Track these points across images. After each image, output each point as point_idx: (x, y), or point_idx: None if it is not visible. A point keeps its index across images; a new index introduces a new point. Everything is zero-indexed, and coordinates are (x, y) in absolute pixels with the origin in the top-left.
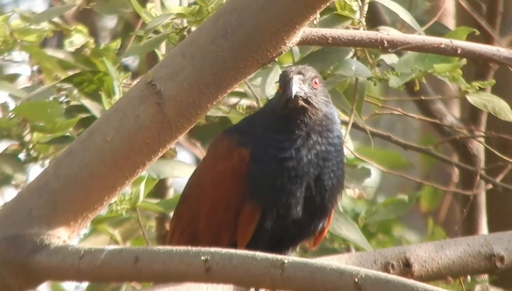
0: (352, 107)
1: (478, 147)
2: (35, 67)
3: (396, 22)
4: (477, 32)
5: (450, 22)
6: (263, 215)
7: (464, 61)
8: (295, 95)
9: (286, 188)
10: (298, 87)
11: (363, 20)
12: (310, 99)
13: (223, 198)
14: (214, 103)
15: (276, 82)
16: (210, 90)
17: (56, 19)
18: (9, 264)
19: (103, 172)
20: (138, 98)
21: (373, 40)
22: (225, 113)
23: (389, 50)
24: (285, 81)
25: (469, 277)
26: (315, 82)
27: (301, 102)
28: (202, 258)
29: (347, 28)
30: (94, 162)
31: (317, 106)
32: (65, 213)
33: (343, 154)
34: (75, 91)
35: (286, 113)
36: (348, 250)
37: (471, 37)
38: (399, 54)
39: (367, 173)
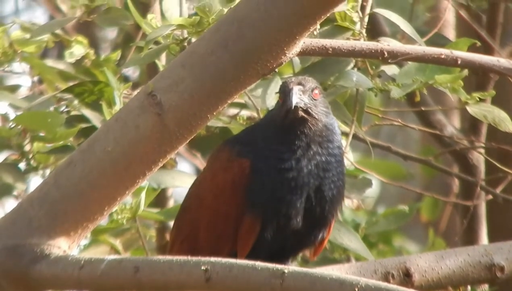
0: (352, 118)
1: (478, 158)
2: (36, 78)
3: (397, 33)
4: (478, 43)
5: (450, 33)
6: (263, 226)
7: (465, 72)
8: (295, 106)
9: (286, 198)
10: (298, 98)
11: (364, 31)
12: (310, 110)
13: (223, 210)
14: (215, 113)
15: (276, 93)
16: (210, 101)
17: (57, 30)
18: (9, 274)
19: (104, 182)
20: (138, 109)
21: (373, 51)
22: (225, 124)
23: (390, 60)
24: (285, 92)
25: (469, 287)
26: (315, 93)
27: (301, 113)
28: (202, 267)
29: (347, 39)
30: (95, 172)
31: (317, 117)
32: (65, 223)
33: (344, 165)
34: (76, 102)
35: (286, 124)
36: (348, 260)
37: (471, 48)
38: (399, 65)
39: (368, 183)
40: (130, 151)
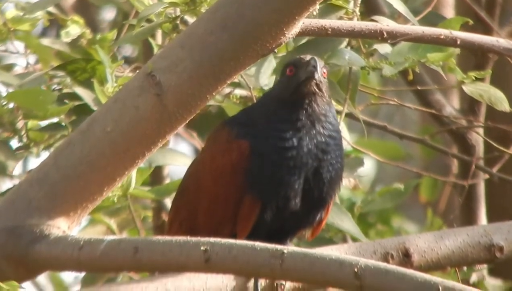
0: (345, 96)
1: (477, 138)
2: (32, 58)
3: (395, 14)
4: (471, 22)
5: (449, 13)
6: (262, 207)
7: (457, 50)
8: (309, 77)
9: (284, 179)
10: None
11: (357, 10)
12: (321, 85)
13: (223, 193)
14: (214, 94)
15: (272, 72)
16: (209, 81)
17: (54, 10)
18: (9, 255)
19: (103, 163)
20: (138, 89)
21: (372, 32)
22: (218, 102)
23: (389, 41)
24: (299, 64)
25: (465, 268)
26: (324, 72)
27: (313, 86)
28: (202, 248)
29: (340, 18)
30: (94, 153)
31: (325, 95)
32: (64, 203)
33: (342, 149)
34: (68, 79)
35: (294, 99)
36: (344, 239)
37: (470, 28)
38: (392, 44)
39: (359, 162)
40: (130, 131)
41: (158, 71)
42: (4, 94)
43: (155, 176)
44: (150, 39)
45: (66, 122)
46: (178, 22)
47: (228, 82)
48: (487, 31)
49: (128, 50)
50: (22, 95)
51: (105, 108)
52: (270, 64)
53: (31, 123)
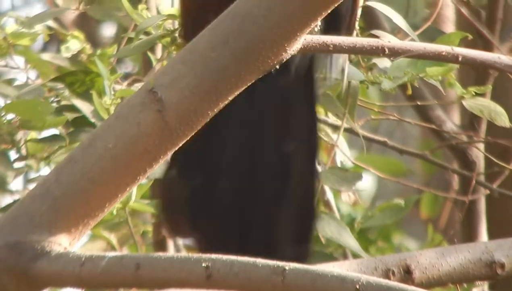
0: (344, 111)
1: (478, 154)
2: (32, 74)
3: (395, 29)
4: (470, 37)
5: (450, 28)
6: None
7: (456, 65)
8: None
9: None
10: None
11: (357, 24)
12: None
13: None
14: (215, 110)
15: None
16: (211, 97)
17: (54, 25)
18: (11, 271)
19: (105, 179)
20: (139, 106)
21: (374, 48)
22: None
23: (391, 58)
24: None
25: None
26: None
27: None
28: (203, 264)
29: None
30: (96, 169)
31: None
32: (66, 219)
33: None
34: (66, 91)
35: None
36: (344, 254)
37: (470, 44)
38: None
39: (358, 176)
40: (131, 147)
41: (160, 87)
42: (2, 105)
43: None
44: (149, 54)
45: (64, 133)
46: (176, 35)
47: (230, 98)
48: (487, 46)
49: (129, 66)
50: (20, 106)
51: (106, 125)
52: None
53: (31, 134)
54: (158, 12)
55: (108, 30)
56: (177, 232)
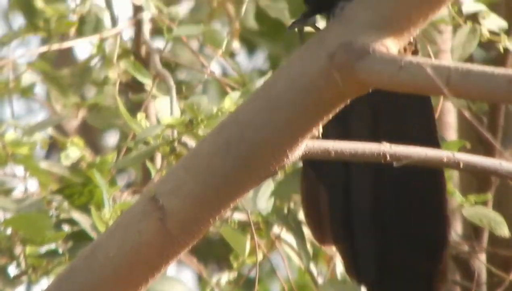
0: None
1: (480, 264)
2: (31, 182)
3: None
4: (468, 146)
5: (452, 135)
6: None
7: (455, 172)
8: None
9: None
10: None
11: None
12: None
13: None
14: (217, 218)
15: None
16: (212, 204)
17: (55, 133)
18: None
19: (105, 289)
20: (141, 214)
21: (375, 154)
22: (217, 228)
23: (394, 164)
24: None
25: None
26: None
27: None
28: None
29: None
30: (97, 279)
31: None
32: None
33: None
34: (65, 204)
35: None
36: None
37: (471, 149)
38: None
39: (357, 289)
40: (133, 256)
41: (161, 195)
42: (1, 219)
43: None
44: (148, 163)
45: (64, 248)
46: (175, 144)
47: (231, 205)
48: (489, 152)
49: (130, 174)
50: (20, 221)
51: (107, 234)
52: (268, 187)
53: (29, 249)
54: (158, 120)
55: (111, 137)
56: (322, 241)
